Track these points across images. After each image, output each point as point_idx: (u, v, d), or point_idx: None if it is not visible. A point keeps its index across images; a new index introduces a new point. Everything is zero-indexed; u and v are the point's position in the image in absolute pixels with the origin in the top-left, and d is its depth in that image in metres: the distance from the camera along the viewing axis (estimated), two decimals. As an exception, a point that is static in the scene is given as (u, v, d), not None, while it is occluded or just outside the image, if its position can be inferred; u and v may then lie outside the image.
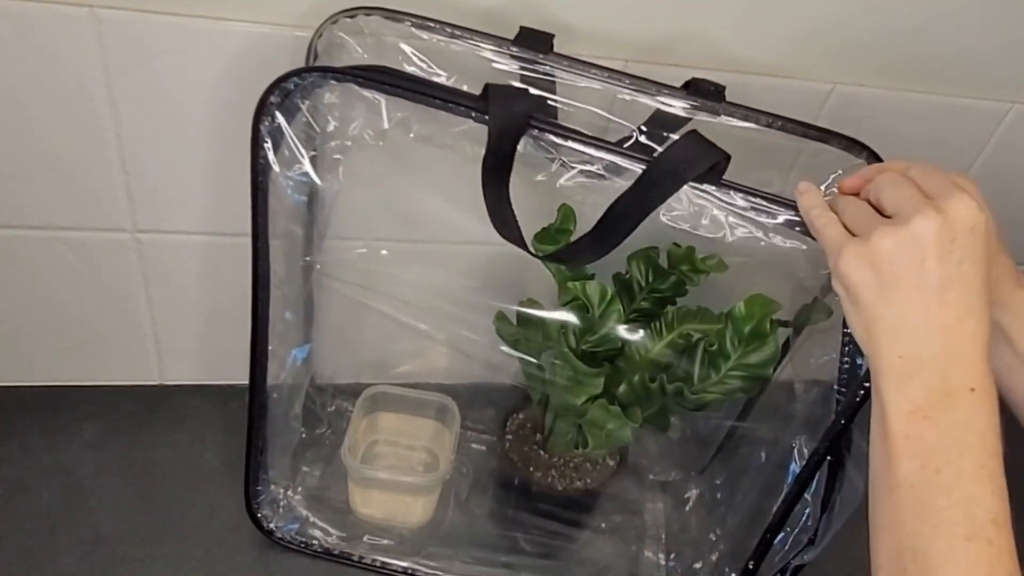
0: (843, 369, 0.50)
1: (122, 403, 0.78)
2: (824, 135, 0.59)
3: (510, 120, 0.47)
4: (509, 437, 0.72)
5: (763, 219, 0.49)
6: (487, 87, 0.47)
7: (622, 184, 0.49)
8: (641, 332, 0.60)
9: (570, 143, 0.48)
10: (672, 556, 0.74)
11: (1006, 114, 0.74)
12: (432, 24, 0.55)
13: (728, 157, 0.47)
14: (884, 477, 0.40)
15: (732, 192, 0.48)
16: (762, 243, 0.49)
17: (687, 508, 0.76)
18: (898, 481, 0.39)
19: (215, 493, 0.72)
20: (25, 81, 0.57)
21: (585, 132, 0.49)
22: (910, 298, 0.40)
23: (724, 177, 0.48)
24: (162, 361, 0.79)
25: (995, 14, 0.67)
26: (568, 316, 0.59)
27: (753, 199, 0.48)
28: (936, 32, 0.67)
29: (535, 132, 0.48)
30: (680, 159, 0.46)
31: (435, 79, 0.54)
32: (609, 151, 0.48)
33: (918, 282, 0.39)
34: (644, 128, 0.56)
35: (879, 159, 0.58)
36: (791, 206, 0.48)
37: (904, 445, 0.39)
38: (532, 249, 0.55)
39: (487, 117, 0.47)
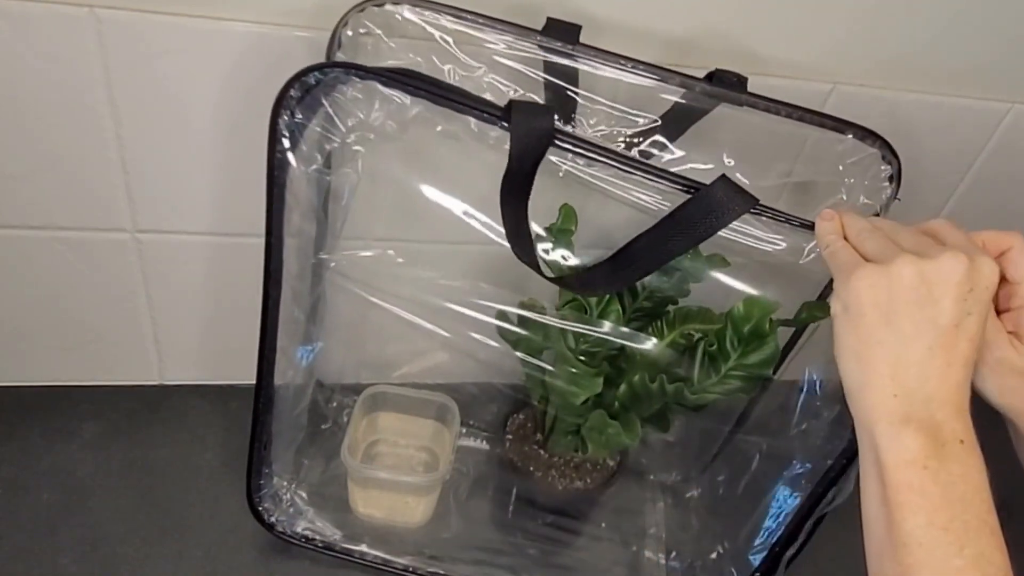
0: None
1: (122, 403, 0.78)
2: (840, 125, 0.60)
3: (532, 140, 0.46)
4: (509, 437, 0.72)
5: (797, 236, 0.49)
6: (511, 103, 0.46)
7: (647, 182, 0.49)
8: (650, 339, 0.60)
9: (594, 160, 0.47)
10: (672, 555, 0.74)
11: (1006, 114, 0.74)
12: (460, 14, 0.55)
13: (757, 201, 0.46)
14: (885, 530, 0.39)
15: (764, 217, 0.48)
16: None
17: (688, 508, 0.76)
18: (904, 539, 0.38)
19: (215, 493, 0.72)
20: (25, 81, 0.57)
21: (610, 149, 0.48)
22: (918, 331, 0.39)
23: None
24: (162, 361, 0.79)
25: (995, 14, 0.67)
26: (568, 316, 0.59)
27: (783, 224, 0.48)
28: (936, 32, 0.67)
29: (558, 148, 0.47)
30: (710, 210, 0.45)
31: (460, 72, 0.55)
32: (633, 169, 0.47)
33: (930, 317, 0.39)
34: (666, 118, 0.56)
35: (891, 148, 0.59)
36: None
37: (907, 497, 0.38)
38: (543, 268, 0.55)
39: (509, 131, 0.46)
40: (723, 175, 0.47)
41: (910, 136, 0.73)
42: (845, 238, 0.45)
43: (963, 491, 0.38)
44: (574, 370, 0.59)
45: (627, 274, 0.50)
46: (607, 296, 0.59)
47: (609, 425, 0.60)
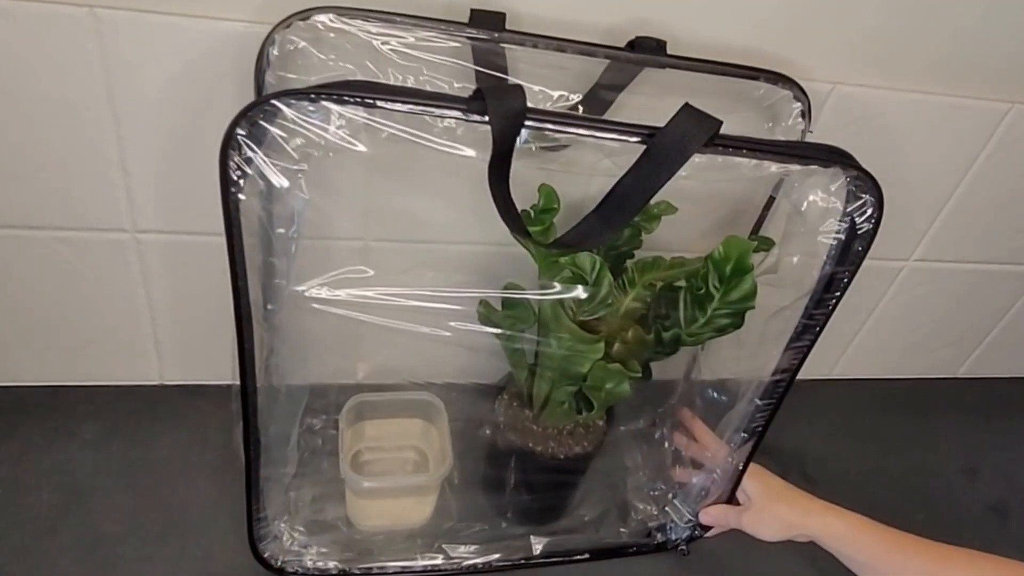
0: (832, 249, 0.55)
1: (122, 403, 0.78)
2: (753, 72, 0.63)
3: (510, 119, 0.46)
4: (501, 419, 0.72)
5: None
6: (479, 90, 0.46)
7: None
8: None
9: (568, 129, 0.48)
10: (657, 484, 0.79)
11: (1006, 114, 0.74)
12: (386, 17, 0.55)
13: (720, 122, 0.48)
14: None
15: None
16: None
17: (661, 447, 0.80)
18: None
19: (215, 493, 0.72)
20: (25, 81, 0.57)
21: (580, 115, 0.49)
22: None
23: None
24: (162, 361, 0.79)
25: (995, 14, 0.67)
26: (560, 294, 0.60)
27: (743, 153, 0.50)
28: (936, 32, 0.67)
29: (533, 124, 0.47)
30: (681, 135, 0.47)
31: (397, 75, 0.55)
32: (606, 131, 0.48)
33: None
34: (597, 88, 0.60)
35: (801, 88, 0.64)
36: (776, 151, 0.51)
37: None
38: (528, 239, 0.55)
39: (487, 119, 0.46)
40: (687, 103, 0.48)
41: (910, 136, 0.74)
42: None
43: None
44: (578, 340, 0.60)
45: (617, 218, 0.50)
46: (598, 264, 0.59)
47: (609, 376, 0.61)
